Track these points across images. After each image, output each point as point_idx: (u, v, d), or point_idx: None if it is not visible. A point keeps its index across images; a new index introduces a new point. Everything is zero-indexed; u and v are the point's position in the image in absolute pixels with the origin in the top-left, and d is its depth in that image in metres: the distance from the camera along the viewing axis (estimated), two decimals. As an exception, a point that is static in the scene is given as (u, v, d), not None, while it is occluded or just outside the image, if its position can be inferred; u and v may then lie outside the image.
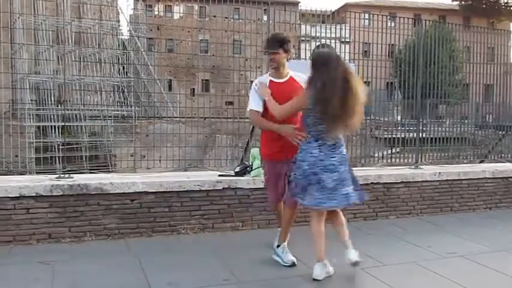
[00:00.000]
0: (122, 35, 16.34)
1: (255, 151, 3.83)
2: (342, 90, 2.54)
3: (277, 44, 2.87)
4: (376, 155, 5.55)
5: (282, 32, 3.23)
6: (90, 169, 8.23)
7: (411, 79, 5.14)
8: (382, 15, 5.48)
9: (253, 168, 3.77)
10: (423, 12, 29.59)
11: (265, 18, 5.44)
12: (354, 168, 2.95)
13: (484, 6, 27.65)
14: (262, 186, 3.64)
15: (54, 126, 10.46)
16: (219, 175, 3.81)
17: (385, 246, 3.43)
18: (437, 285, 2.73)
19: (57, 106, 10.13)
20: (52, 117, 10.66)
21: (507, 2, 28.50)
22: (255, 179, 3.74)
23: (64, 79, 9.66)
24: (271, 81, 2.89)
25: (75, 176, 3.61)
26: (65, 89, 10.24)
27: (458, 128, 6.12)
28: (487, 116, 6.41)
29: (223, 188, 3.65)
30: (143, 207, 3.47)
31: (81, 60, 12.26)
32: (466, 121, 6.33)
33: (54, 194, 3.25)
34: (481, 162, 5.70)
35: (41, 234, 3.23)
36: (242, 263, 2.96)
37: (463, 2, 28.79)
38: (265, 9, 5.80)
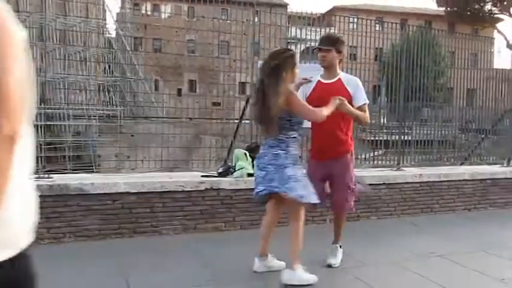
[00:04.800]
0: (109, 34, 16.11)
1: (238, 152, 3.83)
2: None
3: (331, 42, 2.78)
4: (361, 156, 5.61)
5: (336, 33, 3.20)
6: (73, 169, 8.09)
7: (396, 82, 5.22)
8: (369, 20, 5.56)
9: (236, 169, 3.76)
10: (410, 17, 30.14)
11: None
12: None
13: (468, 13, 28.30)
14: (244, 187, 3.64)
15: (37, 125, 10.22)
16: (202, 176, 3.79)
17: (367, 246, 3.47)
18: (418, 284, 2.77)
19: (40, 105, 9.90)
20: (34, 116, 10.39)
21: (491, 10, 29.25)
22: (238, 179, 3.73)
23: (46, 77, 9.46)
24: (319, 81, 2.80)
25: (55, 176, 3.55)
26: (49, 87, 10.03)
27: (441, 131, 6.25)
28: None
29: (206, 189, 3.63)
30: (125, 208, 3.43)
31: (66, 58, 12.02)
32: (450, 124, 6.46)
33: (32, 194, 3.18)
34: (461, 164, 5.83)
35: (18, 235, 3.16)
36: (224, 264, 2.95)
37: (448, 8, 29.42)
38: (256, 11, 5.80)
